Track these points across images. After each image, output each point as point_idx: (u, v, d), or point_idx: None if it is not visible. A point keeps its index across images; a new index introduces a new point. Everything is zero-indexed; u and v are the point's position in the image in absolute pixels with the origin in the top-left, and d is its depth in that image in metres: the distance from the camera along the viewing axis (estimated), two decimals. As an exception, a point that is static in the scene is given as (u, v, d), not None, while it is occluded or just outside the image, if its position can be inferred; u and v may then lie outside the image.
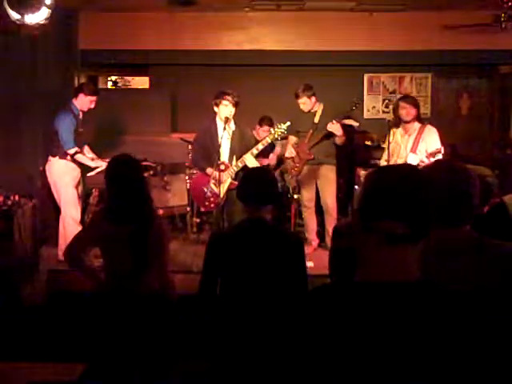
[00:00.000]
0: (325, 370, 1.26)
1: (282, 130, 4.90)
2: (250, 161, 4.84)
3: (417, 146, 4.98)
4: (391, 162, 5.07)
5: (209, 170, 4.96)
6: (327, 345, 1.26)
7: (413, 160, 4.91)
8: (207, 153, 4.97)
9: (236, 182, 4.80)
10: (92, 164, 5.32)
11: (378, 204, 1.33)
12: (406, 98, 5.18)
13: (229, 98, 4.82)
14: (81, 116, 5.33)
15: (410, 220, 1.28)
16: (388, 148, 4.97)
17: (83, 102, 5.28)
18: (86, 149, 5.50)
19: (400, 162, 4.95)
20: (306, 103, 5.49)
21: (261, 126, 6.39)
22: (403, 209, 1.28)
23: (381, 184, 1.36)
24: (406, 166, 1.51)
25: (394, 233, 1.28)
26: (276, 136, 4.92)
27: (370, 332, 1.23)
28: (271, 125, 6.25)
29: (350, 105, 5.40)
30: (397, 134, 5.11)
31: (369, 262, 1.34)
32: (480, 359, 1.24)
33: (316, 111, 5.55)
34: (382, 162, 5.19)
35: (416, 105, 5.05)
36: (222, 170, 4.87)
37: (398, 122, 5.10)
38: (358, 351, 1.23)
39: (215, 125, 5.01)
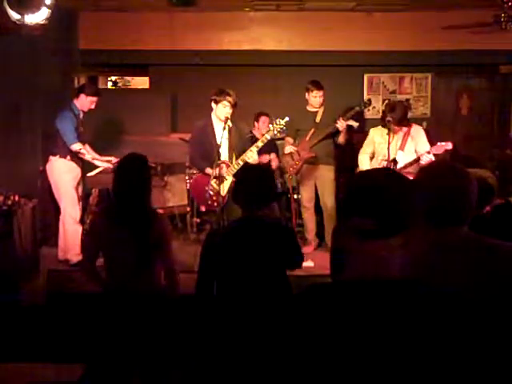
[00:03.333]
0: (312, 371, 1.27)
1: (281, 126, 4.88)
2: (253, 157, 4.83)
3: (405, 144, 5.02)
4: (375, 162, 5.12)
5: (208, 170, 4.95)
6: (311, 345, 1.27)
7: (402, 157, 4.95)
8: (205, 152, 4.96)
9: None
10: (96, 162, 5.32)
11: (348, 202, 1.40)
12: (394, 112, 4.95)
13: (230, 98, 4.80)
14: (81, 116, 5.34)
15: (378, 216, 1.32)
16: (388, 148, 4.97)
17: (84, 103, 5.29)
18: (87, 148, 5.50)
19: (384, 160, 4.99)
20: (322, 97, 5.52)
21: (258, 120, 6.42)
22: (369, 205, 1.33)
23: (351, 184, 1.44)
24: (379, 169, 1.59)
25: (361, 229, 1.33)
26: (275, 132, 4.91)
27: (352, 332, 1.24)
28: (267, 115, 6.30)
29: (360, 104, 5.53)
30: (382, 134, 5.10)
31: (350, 259, 1.37)
32: (469, 358, 1.24)
33: (318, 111, 5.57)
34: (374, 165, 5.18)
35: (402, 120, 5.00)
36: (222, 169, 4.86)
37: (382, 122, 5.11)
38: (343, 352, 1.24)
39: (211, 123, 5.00)
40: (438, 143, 4.84)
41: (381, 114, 5.39)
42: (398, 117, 4.94)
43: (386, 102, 7.63)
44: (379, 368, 1.22)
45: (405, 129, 5.06)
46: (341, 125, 5.35)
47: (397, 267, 1.33)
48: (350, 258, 1.38)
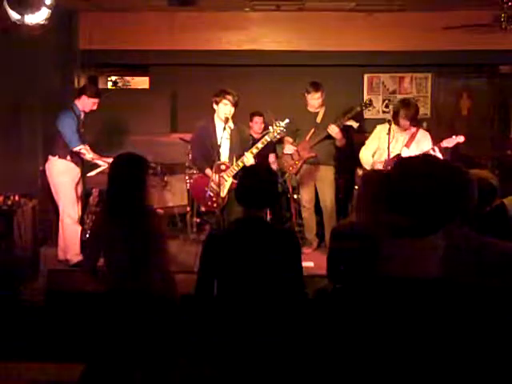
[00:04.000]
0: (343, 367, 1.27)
1: (282, 128, 4.88)
2: (250, 160, 4.82)
3: (411, 143, 5.03)
4: (378, 158, 5.12)
5: (208, 171, 4.94)
6: (348, 342, 1.27)
7: (407, 154, 4.96)
8: (206, 152, 4.96)
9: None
10: (96, 162, 5.32)
11: (387, 199, 1.34)
12: (408, 109, 4.98)
13: (229, 97, 4.81)
14: (82, 117, 5.34)
15: (416, 214, 1.27)
16: (388, 148, 4.97)
17: (85, 104, 5.29)
18: (87, 148, 5.50)
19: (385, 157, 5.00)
20: (320, 98, 5.51)
21: (251, 120, 6.42)
22: (408, 203, 1.28)
23: (390, 179, 1.37)
24: (417, 159, 1.43)
25: (398, 226, 1.28)
26: (275, 134, 4.91)
27: (385, 328, 1.23)
28: (261, 115, 6.29)
29: (361, 105, 5.52)
30: (384, 132, 5.08)
31: (385, 257, 1.33)
32: (495, 360, 1.24)
33: (319, 111, 5.57)
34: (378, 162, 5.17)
35: (414, 118, 5.01)
36: (223, 170, 4.86)
37: (394, 119, 5.09)
38: (377, 348, 1.23)
39: (213, 123, 5.00)
40: (453, 136, 4.85)
41: (392, 112, 5.32)
42: (411, 114, 4.94)
43: (387, 101, 7.67)
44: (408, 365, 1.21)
45: (413, 129, 5.05)
46: (332, 130, 5.36)
47: (430, 267, 1.29)
48: (382, 255, 1.34)
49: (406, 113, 4.95)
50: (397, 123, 5.04)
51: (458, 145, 4.91)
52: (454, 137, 4.85)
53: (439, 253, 1.32)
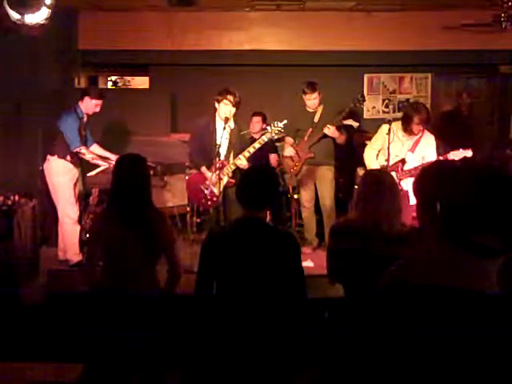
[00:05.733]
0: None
1: (279, 128, 4.90)
2: (243, 162, 4.86)
3: (415, 147, 4.98)
4: (381, 158, 5.08)
5: (203, 169, 4.99)
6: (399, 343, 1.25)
7: (411, 159, 4.92)
8: (204, 149, 5.00)
9: (233, 180, 4.83)
10: (96, 162, 5.32)
11: (470, 217, 1.28)
12: (420, 114, 4.79)
13: (230, 97, 4.84)
14: (85, 119, 5.33)
15: (504, 234, 1.24)
16: (388, 148, 4.95)
17: (89, 106, 5.27)
18: (96, 146, 5.49)
19: (392, 160, 4.95)
20: (316, 98, 5.50)
21: (251, 120, 6.41)
22: (498, 222, 1.24)
23: (472, 196, 1.31)
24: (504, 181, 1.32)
25: (486, 246, 1.25)
26: (273, 134, 4.93)
27: (442, 342, 1.24)
28: (261, 115, 6.28)
29: (354, 101, 5.42)
30: (396, 133, 5.01)
31: (449, 271, 1.29)
32: None
33: (316, 111, 5.58)
34: (380, 162, 5.15)
35: (427, 123, 4.90)
36: (219, 169, 4.87)
37: (404, 125, 4.97)
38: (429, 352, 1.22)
39: (214, 122, 5.03)
40: (460, 149, 4.74)
41: (403, 116, 5.19)
42: (424, 119, 4.81)
43: (387, 101, 7.67)
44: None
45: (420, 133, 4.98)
46: (328, 131, 5.36)
47: (492, 281, 1.26)
48: (444, 269, 1.29)
49: (419, 118, 4.79)
50: (408, 128, 4.88)
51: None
52: (461, 150, 4.72)
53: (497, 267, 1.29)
